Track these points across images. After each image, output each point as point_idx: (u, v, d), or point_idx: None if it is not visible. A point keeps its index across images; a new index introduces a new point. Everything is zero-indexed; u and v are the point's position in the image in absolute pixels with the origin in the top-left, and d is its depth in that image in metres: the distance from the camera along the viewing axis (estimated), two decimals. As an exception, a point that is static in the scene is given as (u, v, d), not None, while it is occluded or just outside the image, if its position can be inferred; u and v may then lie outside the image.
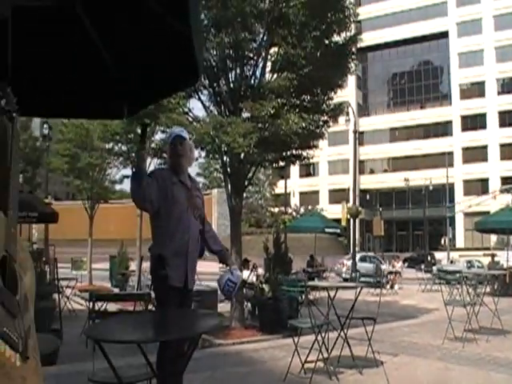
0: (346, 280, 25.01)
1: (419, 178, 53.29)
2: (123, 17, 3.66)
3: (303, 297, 9.88)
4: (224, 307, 10.59)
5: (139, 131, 4.25)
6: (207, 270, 13.23)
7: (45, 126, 23.99)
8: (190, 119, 10.40)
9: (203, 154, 10.79)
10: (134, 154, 15.91)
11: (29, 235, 25.71)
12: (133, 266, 17.04)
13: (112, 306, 8.82)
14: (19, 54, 3.90)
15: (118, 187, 29.89)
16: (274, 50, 10.35)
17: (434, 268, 24.60)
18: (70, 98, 4.04)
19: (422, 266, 29.97)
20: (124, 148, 16.81)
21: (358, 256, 28.98)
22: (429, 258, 38.64)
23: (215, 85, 10.13)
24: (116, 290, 15.19)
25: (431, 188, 51.32)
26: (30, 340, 1.69)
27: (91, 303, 4.90)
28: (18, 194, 1.86)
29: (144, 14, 3.44)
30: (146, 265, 13.20)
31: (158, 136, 15.36)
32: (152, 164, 13.48)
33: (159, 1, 3.31)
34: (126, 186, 32.64)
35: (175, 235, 3.86)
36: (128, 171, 22.76)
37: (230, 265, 4.17)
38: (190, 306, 4.15)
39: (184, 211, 3.91)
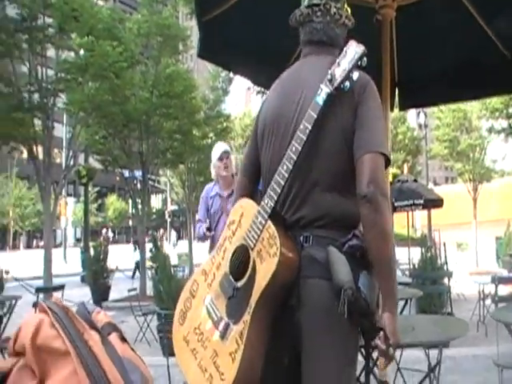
0: None
1: None
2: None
3: None
4: None
5: None
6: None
7: (420, 115, 24.63)
8: None
9: None
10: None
11: (412, 221, 26.68)
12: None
13: (503, 289, 8.45)
14: (405, 52, 4.17)
15: (498, 166, 28.51)
16: None
17: None
18: (462, 80, 4.13)
19: None
20: (504, 124, 16.11)
21: None
22: None
23: None
24: (504, 273, 14.50)
25: None
26: (236, 326, 1.73)
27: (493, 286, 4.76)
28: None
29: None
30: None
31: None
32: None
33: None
34: (507, 163, 30.94)
35: (214, 238, 4.41)
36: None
37: None
38: None
39: (219, 219, 4.59)
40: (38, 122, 10.86)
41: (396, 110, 4.90)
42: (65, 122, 19.72)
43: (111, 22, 11.57)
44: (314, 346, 1.75)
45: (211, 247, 4.60)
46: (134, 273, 18.23)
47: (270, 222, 1.74)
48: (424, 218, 22.46)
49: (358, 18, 3.65)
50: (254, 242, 1.76)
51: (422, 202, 11.91)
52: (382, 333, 1.68)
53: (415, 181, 13.69)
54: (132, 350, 0.96)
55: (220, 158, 4.58)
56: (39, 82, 10.74)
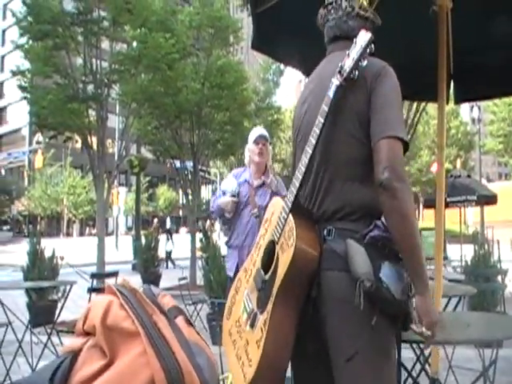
0: None
1: None
2: None
3: None
4: None
5: None
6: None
7: (474, 109, 23.99)
8: None
9: None
10: None
11: (464, 218, 26.05)
12: None
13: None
14: (462, 43, 4.06)
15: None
16: None
17: None
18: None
19: None
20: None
21: None
22: None
23: None
24: None
25: None
26: (262, 315, 1.82)
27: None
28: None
29: None
30: None
31: None
32: None
33: None
34: None
35: (235, 229, 4.32)
36: None
37: None
38: None
39: (243, 208, 4.30)
40: (92, 113, 11.12)
41: (450, 104, 4.77)
42: (118, 112, 20.14)
43: (164, 15, 11.71)
44: (336, 337, 1.77)
45: (230, 237, 4.41)
46: (167, 262, 18.50)
47: (290, 216, 1.82)
48: (477, 214, 21.92)
49: (415, 9, 3.60)
50: (279, 235, 1.85)
51: (475, 198, 11.62)
52: (415, 314, 1.71)
53: (468, 176, 13.36)
54: (197, 333, 0.98)
55: (255, 141, 4.35)
56: (94, 73, 10.97)
